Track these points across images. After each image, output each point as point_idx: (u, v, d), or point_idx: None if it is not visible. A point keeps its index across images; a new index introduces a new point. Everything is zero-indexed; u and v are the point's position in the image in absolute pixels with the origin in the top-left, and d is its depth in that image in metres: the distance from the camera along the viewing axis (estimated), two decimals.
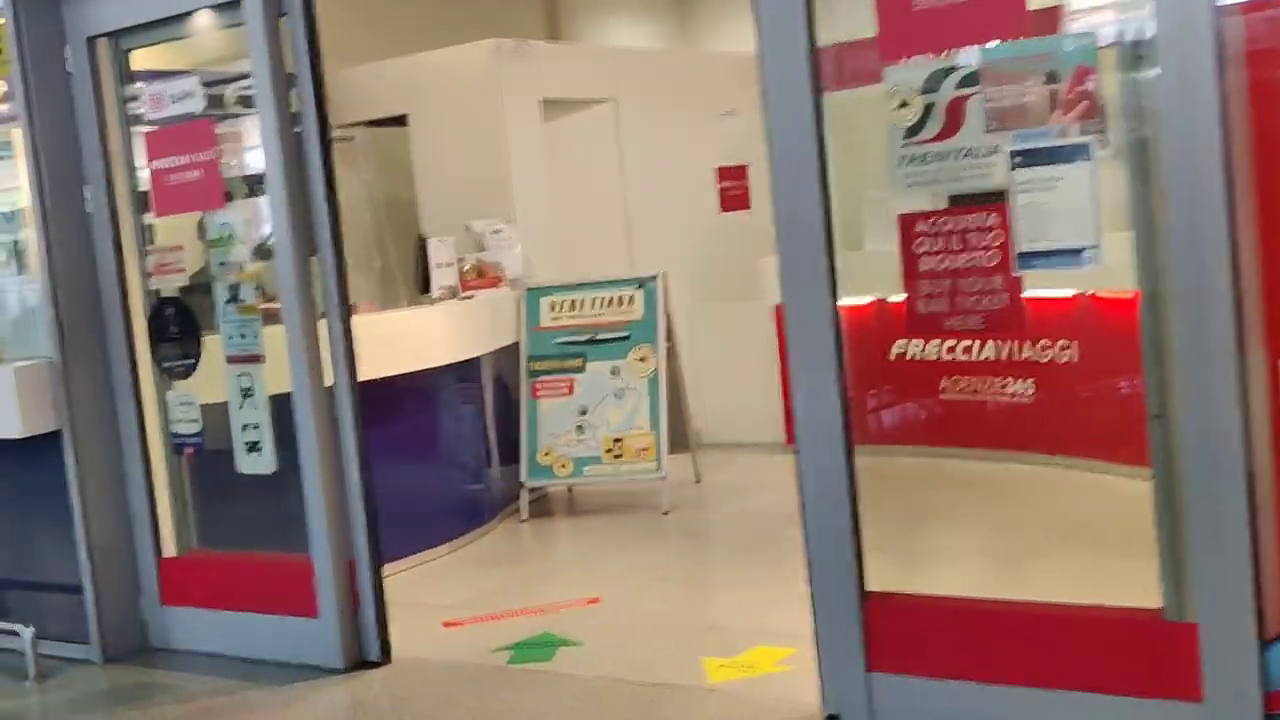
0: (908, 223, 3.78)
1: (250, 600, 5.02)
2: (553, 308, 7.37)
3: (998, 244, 3.56)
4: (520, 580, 5.93)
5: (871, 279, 7.91)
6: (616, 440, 7.12)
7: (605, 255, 8.64)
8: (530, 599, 5.49)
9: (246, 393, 4.99)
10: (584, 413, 7.19)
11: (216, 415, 5.13)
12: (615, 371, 7.19)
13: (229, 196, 4.96)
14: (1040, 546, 5.54)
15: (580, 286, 7.39)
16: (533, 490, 7.20)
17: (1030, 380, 7.24)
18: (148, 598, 5.29)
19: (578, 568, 6.10)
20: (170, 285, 5.17)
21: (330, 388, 4.77)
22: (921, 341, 7.73)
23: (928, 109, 3.56)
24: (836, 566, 3.86)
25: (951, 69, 3.53)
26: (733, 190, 9.63)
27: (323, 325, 4.74)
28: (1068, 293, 6.95)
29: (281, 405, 4.89)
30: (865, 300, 7.95)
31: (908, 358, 7.80)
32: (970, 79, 3.48)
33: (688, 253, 9.05)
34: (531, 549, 6.69)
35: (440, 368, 6.56)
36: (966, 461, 7.35)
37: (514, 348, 7.32)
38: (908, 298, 3.84)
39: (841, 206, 8.52)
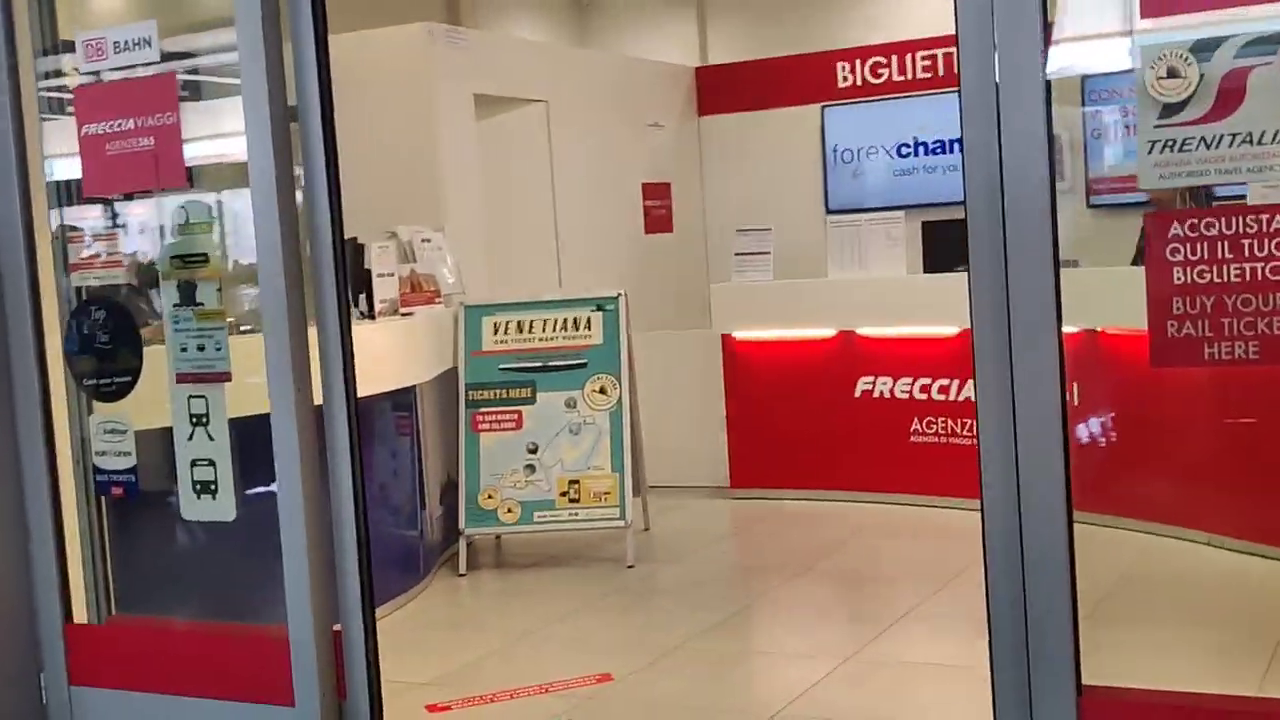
0: (1159, 225, 3.04)
1: (196, 682, 3.97)
2: (496, 329, 6.45)
3: None
4: (496, 650, 4.99)
5: (838, 310, 7.29)
6: (572, 482, 6.24)
7: (534, 272, 7.78)
8: (522, 675, 4.56)
9: (199, 420, 3.96)
10: (534, 450, 6.28)
11: (155, 446, 4.09)
12: (571, 404, 6.32)
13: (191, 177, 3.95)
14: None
15: (529, 305, 6.50)
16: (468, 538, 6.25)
17: None
18: (51, 675, 4.18)
19: (560, 635, 5.18)
20: (106, 281, 4.11)
21: (318, 409, 3.81)
22: (890, 378, 7.09)
23: (1199, 81, 2.84)
24: (1047, 657, 3.09)
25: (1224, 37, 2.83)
26: (657, 210, 8.88)
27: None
28: (1070, 329, 6.39)
29: (243, 433, 3.90)
30: (829, 332, 7.29)
31: (874, 395, 7.14)
32: (1257, 44, 2.79)
33: (616, 274, 8.25)
34: (488, 610, 5.74)
35: (375, 396, 5.59)
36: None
37: (452, 374, 6.38)
38: (1152, 318, 3.08)
39: (801, 228, 7.80)
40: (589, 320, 6.42)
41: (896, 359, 7.07)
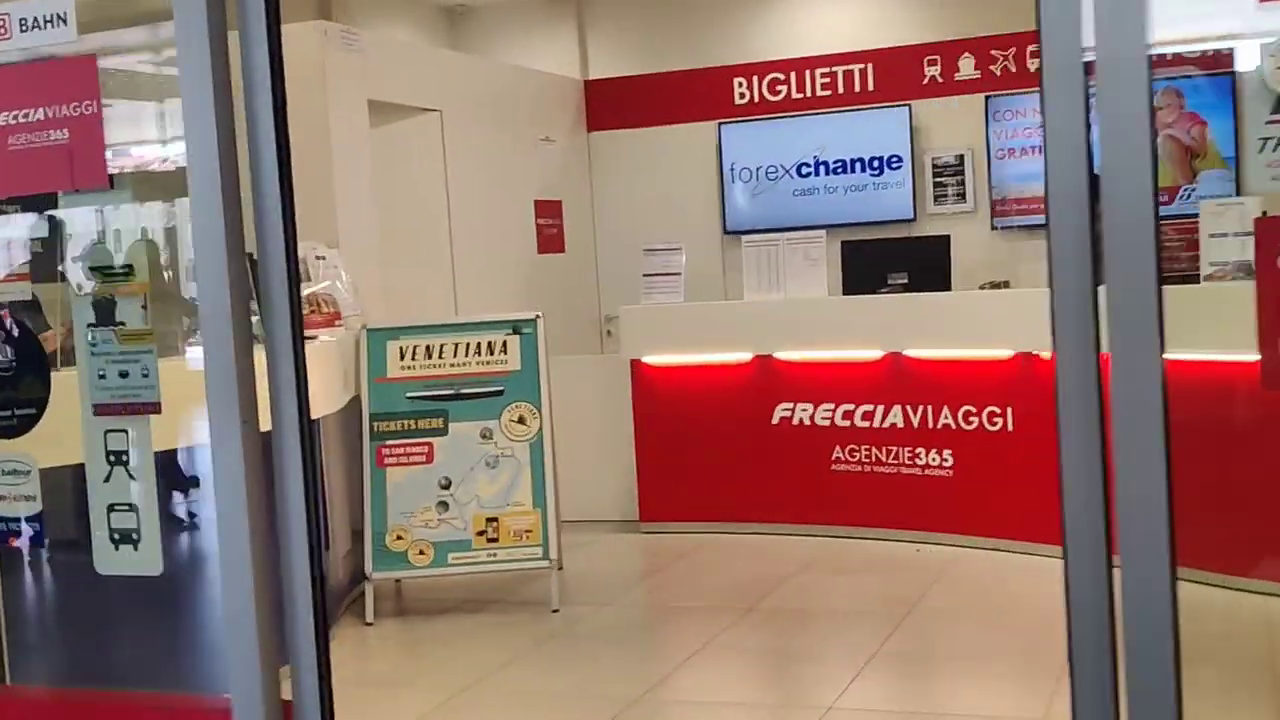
0: (1269, 231, 2.74)
1: None
2: (403, 354, 5.94)
3: None
4: (436, 710, 4.48)
5: (755, 333, 6.97)
6: (490, 520, 5.76)
7: (428, 292, 7.27)
8: None
9: (118, 458, 3.40)
10: (447, 486, 5.78)
11: (61, 486, 3.50)
12: (487, 435, 5.84)
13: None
14: None
15: (438, 329, 6.00)
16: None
17: (948, 452, 6.42)
18: None
19: (503, 689, 4.69)
20: (8, 297, 3.51)
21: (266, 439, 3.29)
22: (810, 405, 6.79)
23: None
24: (1150, 712, 2.76)
25: None
26: (549, 228, 8.46)
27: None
28: (1005, 353, 6.21)
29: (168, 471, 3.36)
30: (745, 357, 6.96)
31: (794, 422, 6.83)
32: None
33: (510, 294, 7.80)
34: (411, 664, 5.20)
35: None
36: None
37: (357, 403, 5.84)
38: (1265, 334, 2.78)
39: (698, 249, 7.39)
40: (505, 344, 5.96)
41: (817, 384, 6.78)
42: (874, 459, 6.65)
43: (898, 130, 8.23)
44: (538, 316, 5.98)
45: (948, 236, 6.97)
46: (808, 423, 6.80)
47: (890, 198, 8.28)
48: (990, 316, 6.29)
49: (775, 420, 6.88)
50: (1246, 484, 5.23)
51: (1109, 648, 2.82)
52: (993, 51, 8.06)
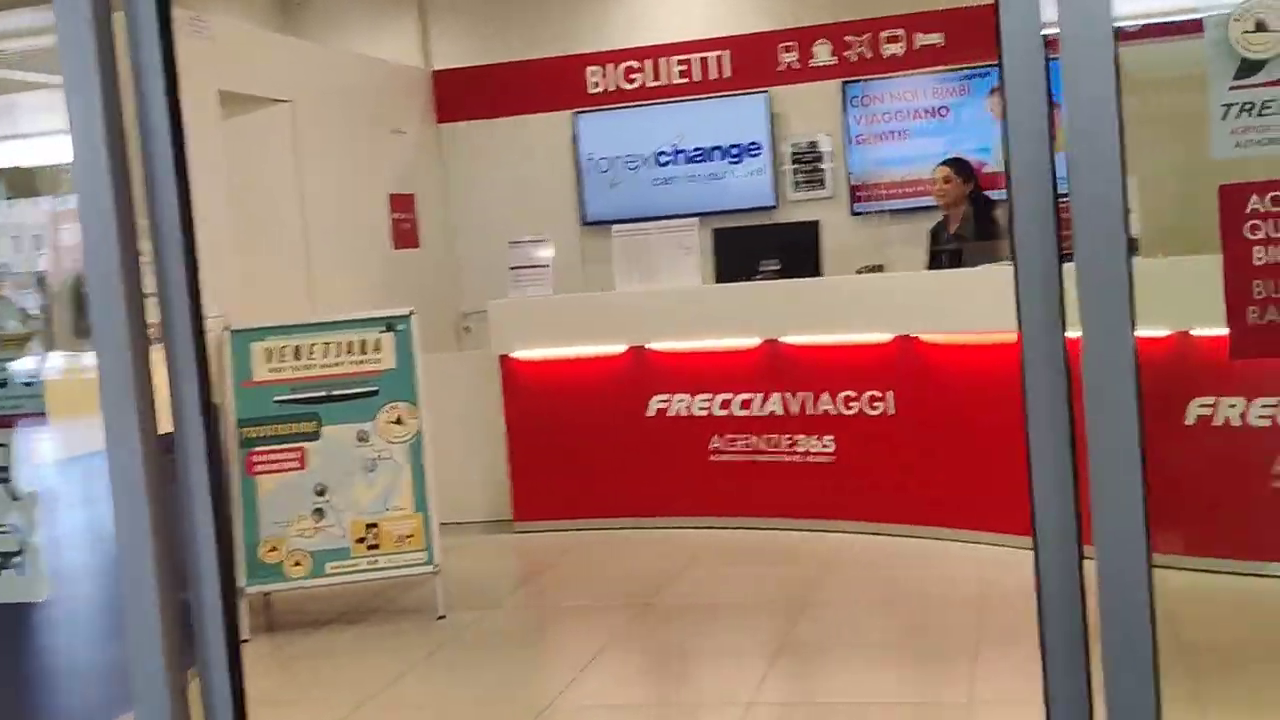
0: (1234, 199, 2.69)
1: None
2: (269, 356, 5.62)
3: None
4: None
5: (628, 325, 6.83)
6: (370, 526, 5.50)
7: (283, 290, 6.94)
8: None
9: None
10: (323, 492, 5.50)
11: None
12: (363, 437, 5.57)
13: None
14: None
15: (307, 328, 5.70)
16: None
17: (829, 438, 6.39)
18: None
19: (406, 703, 4.45)
20: None
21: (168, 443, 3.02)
22: (687, 395, 6.68)
23: None
24: (1132, 708, 2.69)
25: None
26: (403, 223, 8.19)
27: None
28: (885, 336, 6.19)
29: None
30: (619, 349, 6.82)
31: (670, 414, 6.72)
32: None
33: (367, 291, 7.51)
34: (297, 680, 4.90)
35: None
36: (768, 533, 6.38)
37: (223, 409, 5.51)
38: (1232, 305, 2.73)
39: (556, 241, 7.19)
40: (378, 342, 5.69)
41: (693, 374, 6.68)
42: (754, 448, 6.57)
43: (756, 117, 8.19)
44: (411, 313, 5.72)
45: (817, 222, 6.96)
46: (685, 414, 6.70)
47: (751, 185, 8.24)
48: (868, 301, 6.27)
49: (651, 412, 6.75)
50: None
51: (1082, 636, 2.76)
52: (848, 38, 8.08)
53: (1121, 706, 2.53)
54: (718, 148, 8.29)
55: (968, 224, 6.54)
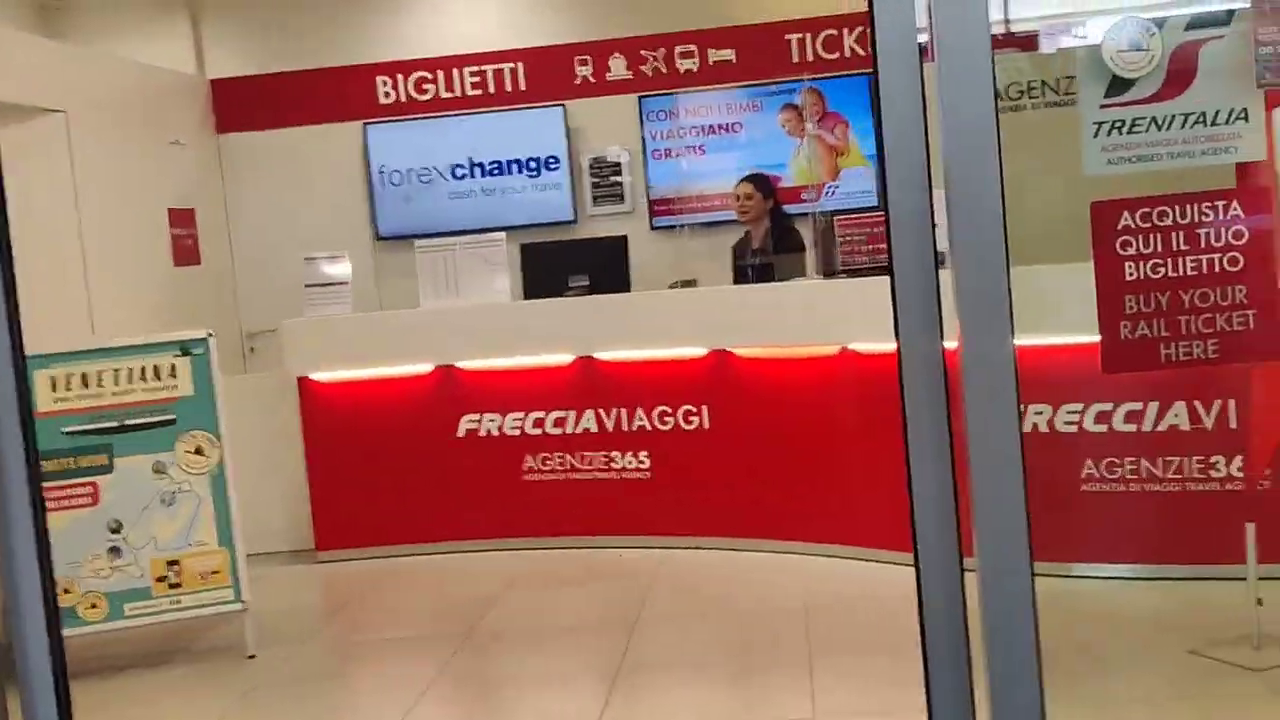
0: (1106, 215, 2.73)
1: None
2: (55, 385, 5.21)
3: (1249, 242, 2.64)
4: None
5: (435, 343, 6.61)
6: (171, 563, 5.16)
7: (59, 311, 6.48)
8: None
9: None
10: (118, 529, 5.13)
11: None
12: (160, 469, 5.22)
13: None
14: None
15: (95, 354, 5.30)
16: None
17: (645, 453, 6.33)
18: None
19: None
20: None
21: None
22: (498, 415, 6.52)
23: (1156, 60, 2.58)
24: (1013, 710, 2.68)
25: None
26: (184, 239, 7.78)
27: None
28: (699, 351, 6.17)
29: None
30: (425, 368, 6.61)
31: (481, 434, 6.55)
32: (1205, 21, 2.57)
33: (149, 311, 7.10)
34: None
35: None
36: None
37: None
38: (1105, 319, 2.77)
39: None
40: (173, 367, 5.35)
41: (504, 393, 6.52)
42: (568, 466, 6.46)
43: (553, 131, 8.09)
44: (209, 335, 5.41)
45: (625, 237, 6.91)
46: (496, 434, 6.54)
47: (549, 199, 8.14)
48: (681, 316, 6.24)
49: (461, 433, 6.57)
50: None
51: (964, 647, 2.74)
52: (643, 52, 8.07)
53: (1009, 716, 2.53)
54: (515, 161, 8.16)
55: (770, 239, 6.59)
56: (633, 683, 4.46)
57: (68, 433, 5.18)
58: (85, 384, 5.26)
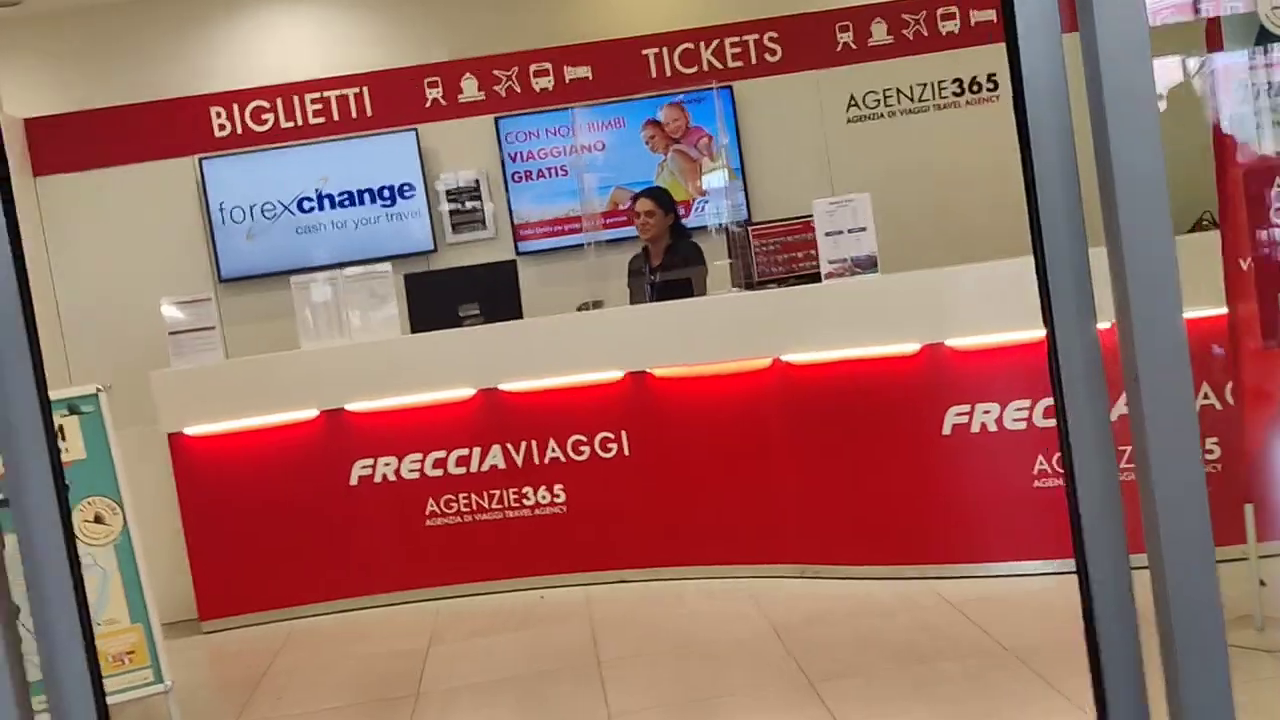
0: (1260, 177, 2.62)
1: None
2: None
3: None
4: None
5: (319, 386, 6.14)
6: None
7: None
8: None
9: None
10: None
11: None
12: None
13: None
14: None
15: None
16: None
17: (559, 487, 6.02)
18: None
19: None
20: None
21: None
22: (394, 458, 6.11)
23: None
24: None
25: None
26: None
27: None
28: (615, 374, 5.90)
29: None
30: (310, 414, 6.13)
31: (376, 480, 6.11)
32: None
33: None
34: None
35: None
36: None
37: None
38: (1263, 290, 2.66)
39: None
40: (61, 429, 4.78)
41: (400, 434, 6.11)
42: (475, 506, 6.10)
43: (405, 157, 7.69)
44: (99, 390, 4.86)
45: (514, 262, 6.60)
46: (394, 478, 6.12)
47: (406, 229, 7.73)
48: (591, 338, 5.98)
49: (355, 480, 6.12)
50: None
51: (1137, 649, 2.59)
52: (496, 71, 7.76)
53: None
54: (367, 190, 7.72)
55: (671, 255, 6.40)
56: None
57: None
58: None
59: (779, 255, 5.79)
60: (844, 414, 5.41)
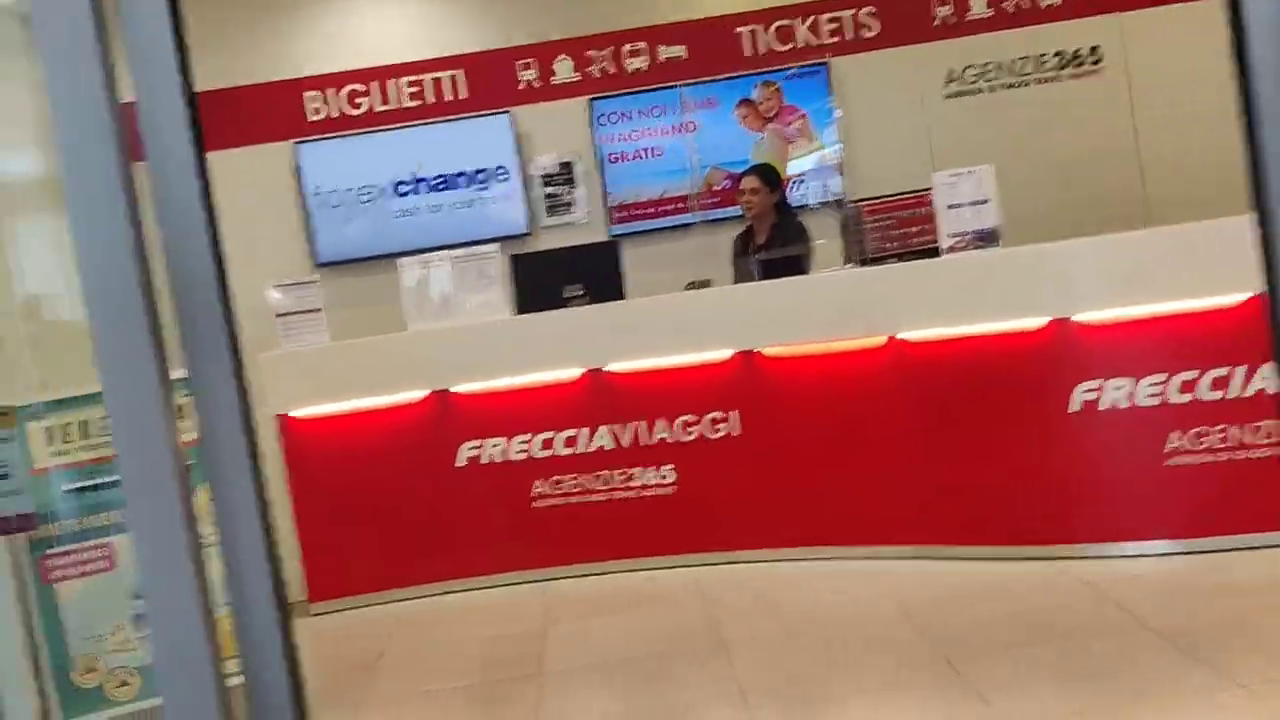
0: None
1: None
2: (51, 437, 4.58)
3: None
4: None
5: (426, 367, 6.11)
6: None
7: None
8: None
9: None
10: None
11: None
12: None
13: None
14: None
15: (93, 399, 4.70)
16: None
17: (669, 468, 5.96)
18: None
19: None
20: None
21: None
22: (502, 439, 6.08)
23: None
24: None
25: None
26: None
27: None
28: (724, 354, 5.83)
29: None
30: (417, 395, 6.11)
31: (483, 461, 6.08)
32: None
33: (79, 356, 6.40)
34: None
35: None
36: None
37: None
38: None
39: None
40: (181, 409, 4.76)
41: (507, 415, 6.07)
42: (582, 488, 6.05)
43: (500, 140, 7.66)
44: None
45: (617, 243, 6.55)
46: (501, 459, 6.08)
47: (500, 212, 7.70)
48: (699, 318, 5.90)
49: (462, 462, 6.09)
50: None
51: None
52: (589, 52, 7.71)
53: None
54: (461, 174, 7.69)
55: (777, 233, 6.32)
56: (788, 704, 4.09)
57: (71, 490, 4.57)
58: (85, 434, 4.65)
59: (892, 231, 5.69)
60: (965, 391, 5.30)
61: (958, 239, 5.26)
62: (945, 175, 5.29)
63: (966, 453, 5.36)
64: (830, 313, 5.57)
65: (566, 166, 7.73)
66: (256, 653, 2.26)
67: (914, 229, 5.65)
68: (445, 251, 6.13)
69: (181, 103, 2.20)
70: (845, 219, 5.82)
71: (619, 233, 7.67)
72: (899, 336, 5.40)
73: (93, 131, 2.11)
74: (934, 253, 5.39)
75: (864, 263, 5.67)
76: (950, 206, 5.26)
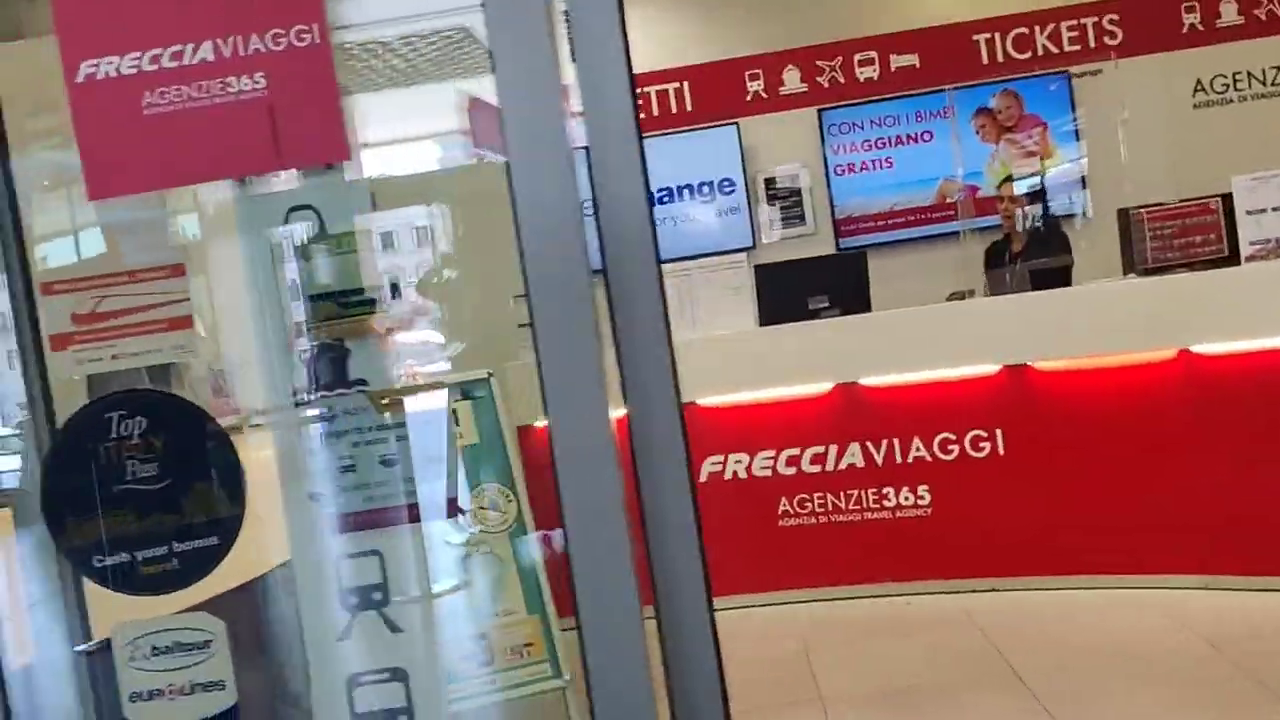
0: None
1: None
2: None
3: None
4: None
5: None
6: (478, 638, 4.46)
7: None
8: None
9: (366, 599, 2.11)
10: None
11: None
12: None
13: None
14: None
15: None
16: None
17: (924, 488, 5.69)
18: None
19: None
20: (132, 359, 2.09)
21: None
22: (745, 455, 5.87)
23: None
24: None
25: None
26: None
27: None
28: (990, 368, 5.56)
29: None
30: None
31: (726, 477, 5.89)
32: None
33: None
34: None
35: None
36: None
37: None
38: None
39: None
40: (454, 413, 4.67)
41: (751, 430, 5.87)
42: (831, 507, 5.82)
43: (726, 151, 7.50)
44: (490, 375, 4.74)
45: (864, 253, 6.32)
46: (744, 476, 5.88)
47: (727, 225, 7.53)
48: (959, 331, 5.63)
49: (703, 478, 5.90)
50: None
51: None
52: (818, 62, 7.52)
53: None
54: (687, 186, 7.55)
55: (1036, 243, 6.03)
56: None
57: None
58: None
59: (1175, 239, 5.37)
60: (1270, 409, 4.95)
61: (1259, 246, 4.92)
62: (1246, 180, 4.96)
63: (1266, 475, 4.99)
64: (1108, 325, 5.26)
65: (794, 179, 7.53)
66: (684, 649, 2.08)
67: (1198, 238, 5.32)
68: (689, 261, 5.96)
69: (626, 88, 2.05)
70: (1128, 227, 5.49)
71: (847, 245, 7.44)
72: (1192, 350, 5.07)
73: (545, 127, 1.97)
74: (1224, 261, 5.05)
75: (1145, 273, 5.35)
76: (1250, 212, 4.93)
